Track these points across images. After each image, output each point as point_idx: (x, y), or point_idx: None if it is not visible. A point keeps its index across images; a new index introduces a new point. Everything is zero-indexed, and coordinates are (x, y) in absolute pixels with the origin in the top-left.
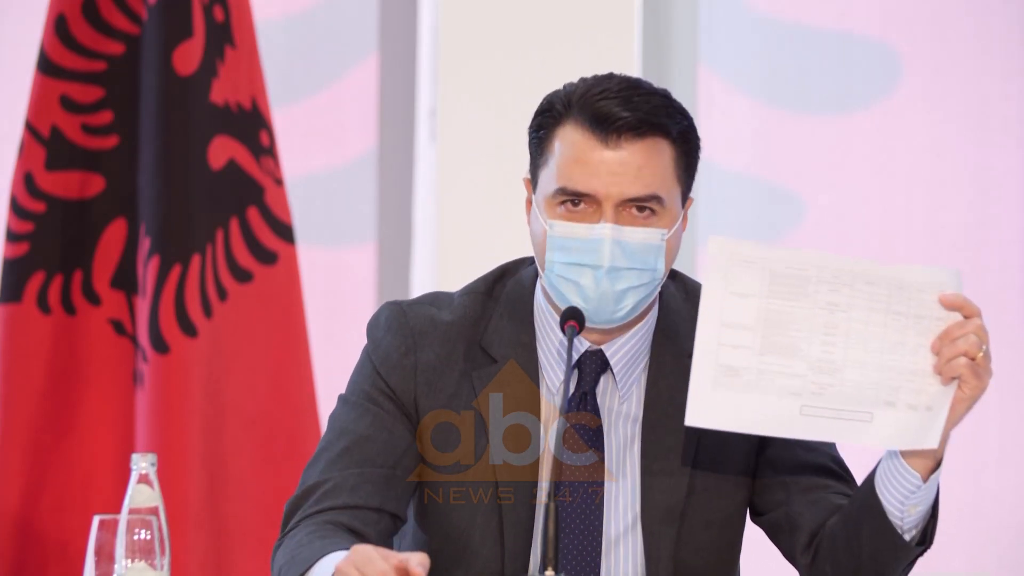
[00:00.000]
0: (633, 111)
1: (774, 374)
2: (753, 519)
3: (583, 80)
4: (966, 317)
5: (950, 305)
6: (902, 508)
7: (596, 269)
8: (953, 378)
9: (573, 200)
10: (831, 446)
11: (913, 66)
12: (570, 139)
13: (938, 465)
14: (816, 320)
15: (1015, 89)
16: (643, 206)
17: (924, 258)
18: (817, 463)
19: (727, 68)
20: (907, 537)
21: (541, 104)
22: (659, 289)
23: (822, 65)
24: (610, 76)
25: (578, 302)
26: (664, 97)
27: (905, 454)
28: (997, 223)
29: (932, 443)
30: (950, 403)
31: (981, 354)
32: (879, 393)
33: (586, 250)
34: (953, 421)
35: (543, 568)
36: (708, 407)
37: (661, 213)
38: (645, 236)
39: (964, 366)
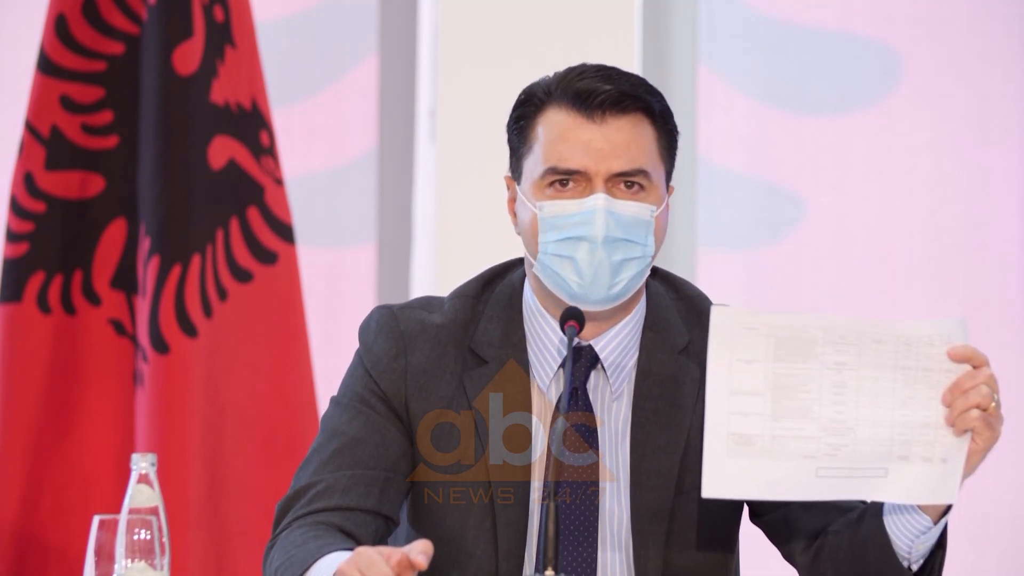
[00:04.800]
0: (614, 85)
1: (788, 439)
2: (752, 520)
3: (558, 72)
4: (975, 367)
5: (959, 358)
6: (910, 546)
7: (591, 241)
8: (966, 430)
9: (562, 180)
10: None
11: (913, 66)
12: (554, 121)
13: (949, 508)
14: (825, 380)
15: (1015, 89)
16: (631, 181)
17: (925, 258)
18: None
19: (727, 68)
20: (914, 568)
21: (519, 98)
22: (648, 272)
23: (822, 65)
24: (585, 63)
25: (573, 279)
26: (641, 78)
27: None
28: (997, 223)
29: (950, 498)
30: (965, 455)
31: (993, 404)
32: (893, 448)
33: (579, 223)
34: (967, 473)
35: (543, 568)
36: (724, 477)
37: (649, 189)
38: (636, 210)
39: (977, 419)
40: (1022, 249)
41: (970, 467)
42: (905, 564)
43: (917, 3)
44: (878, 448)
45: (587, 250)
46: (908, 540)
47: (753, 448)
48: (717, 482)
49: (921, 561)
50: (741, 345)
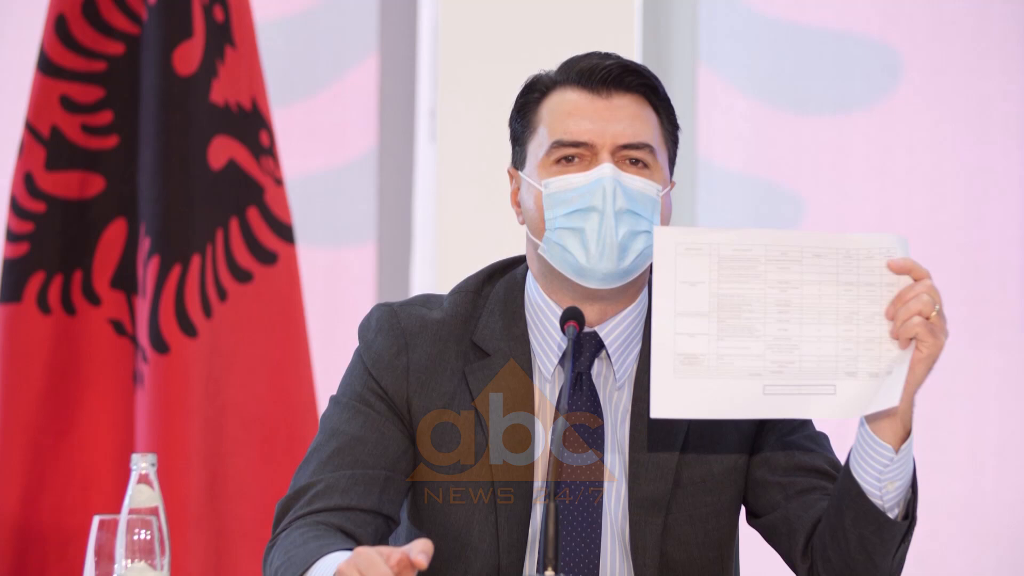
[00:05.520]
0: (616, 61)
1: (733, 357)
2: (750, 522)
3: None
4: (916, 280)
5: (899, 269)
6: (880, 484)
7: (600, 211)
8: (910, 340)
9: (568, 156)
10: (827, 448)
11: (913, 66)
12: (559, 100)
13: (908, 435)
14: (769, 299)
15: (1015, 89)
16: (636, 158)
17: (924, 258)
18: (813, 465)
19: (727, 68)
20: (890, 516)
21: (522, 88)
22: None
23: (822, 65)
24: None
25: (581, 252)
26: (644, 66)
27: (874, 427)
28: (997, 223)
29: (894, 401)
30: (909, 364)
31: (935, 312)
32: (839, 364)
33: (587, 193)
34: (914, 382)
35: (543, 568)
36: (672, 397)
37: (654, 168)
38: (643, 185)
39: (919, 325)
40: (1022, 249)
41: (916, 376)
42: (880, 509)
43: (917, 3)
44: (824, 365)
45: (595, 221)
46: (875, 478)
47: (700, 368)
48: (665, 402)
49: (897, 509)
50: (685, 265)
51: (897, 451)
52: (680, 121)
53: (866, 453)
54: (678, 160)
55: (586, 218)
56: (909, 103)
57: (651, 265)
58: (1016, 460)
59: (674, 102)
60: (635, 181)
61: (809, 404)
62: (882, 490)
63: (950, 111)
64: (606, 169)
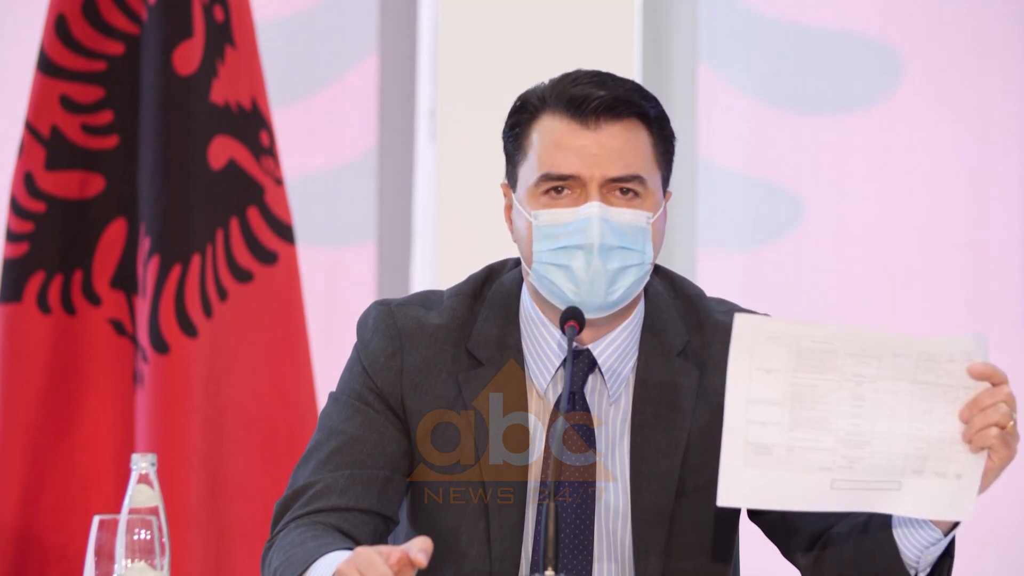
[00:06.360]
0: (608, 90)
1: (804, 449)
2: (751, 519)
3: (552, 79)
4: (994, 385)
5: (979, 375)
6: (919, 556)
7: (587, 250)
8: (983, 447)
9: (556, 187)
10: None
11: (913, 66)
12: (548, 127)
13: (958, 521)
14: (843, 392)
15: (1015, 89)
16: (626, 188)
17: (924, 258)
18: None
19: (727, 68)
20: (921, 575)
21: (514, 104)
22: (647, 279)
23: (822, 65)
24: (580, 69)
25: (569, 287)
26: (636, 84)
27: None
28: (997, 223)
29: (966, 515)
30: (981, 472)
31: (1011, 423)
32: (907, 462)
33: (575, 231)
34: (982, 490)
35: (543, 568)
36: (740, 486)
37: (644, 195)
38: (632, 217)
39: (995, 436)
40: (1022, 249)
41: (985, 484)
42: (912, 572)
43: (917, 3)
44: (893, 462)
45: (583, 259)
46: (917, 551)
47: (770, 458)
48: (733, 491)
49: (928, 570)
50: (762, 354)
51: (946, 535)
52: (680, 121)
53: (913, 528)
54: (679, 160)
55: (573, 256)
56: (909, 103)
57: (648, 284)
58: (1016, 460)
59: (674, 102)
60: (623, 214)
61: (875, 500)
62: (919, 560)
63: (950, 111)
64: (593, 208)
